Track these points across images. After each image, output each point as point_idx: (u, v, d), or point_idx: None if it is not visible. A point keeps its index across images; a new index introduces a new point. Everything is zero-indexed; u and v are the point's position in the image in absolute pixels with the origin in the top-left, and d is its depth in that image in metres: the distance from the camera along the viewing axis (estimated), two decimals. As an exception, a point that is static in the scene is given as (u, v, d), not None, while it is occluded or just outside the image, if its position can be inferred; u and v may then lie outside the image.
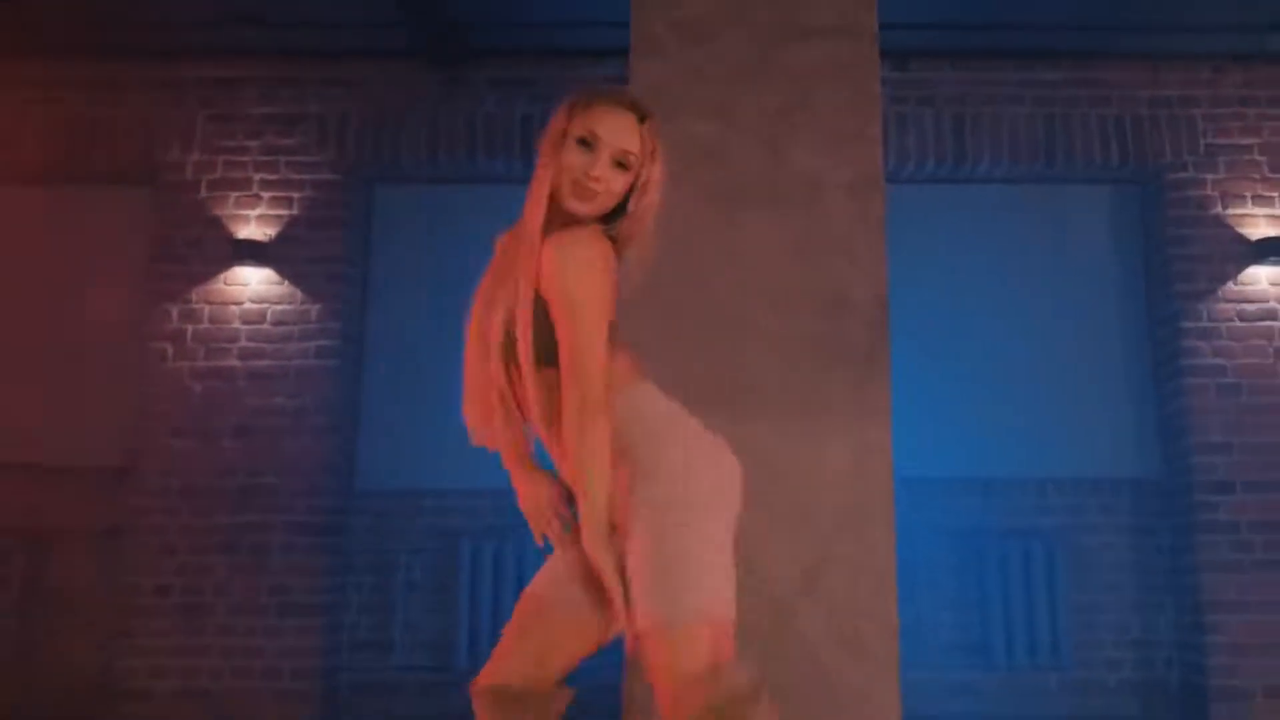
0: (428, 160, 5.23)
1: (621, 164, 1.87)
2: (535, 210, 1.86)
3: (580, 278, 1.76)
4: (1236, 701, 4.81)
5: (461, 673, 4.90)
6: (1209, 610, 4.90)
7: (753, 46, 3.36)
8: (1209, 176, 5.24)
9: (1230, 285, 5.15)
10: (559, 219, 1.89)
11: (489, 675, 1.92)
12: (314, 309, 5.03)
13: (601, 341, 1.78)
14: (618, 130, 1.86)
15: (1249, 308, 5.13)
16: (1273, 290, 5.15)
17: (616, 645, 4.85)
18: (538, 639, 1.91)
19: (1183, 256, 5.17)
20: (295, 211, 5.13)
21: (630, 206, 1.91)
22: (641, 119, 1.91)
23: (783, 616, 3.05)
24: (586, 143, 1.86)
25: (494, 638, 4.85)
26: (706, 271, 3.20)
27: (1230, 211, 5.22)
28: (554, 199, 1.87)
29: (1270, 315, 5.13)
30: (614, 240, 1.93)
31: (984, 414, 5.23)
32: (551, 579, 1.94)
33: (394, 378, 5.23)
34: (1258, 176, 5.25)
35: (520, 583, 4.91)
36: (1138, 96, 5.30)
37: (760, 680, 1.75)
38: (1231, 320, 5.13)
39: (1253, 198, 5.23)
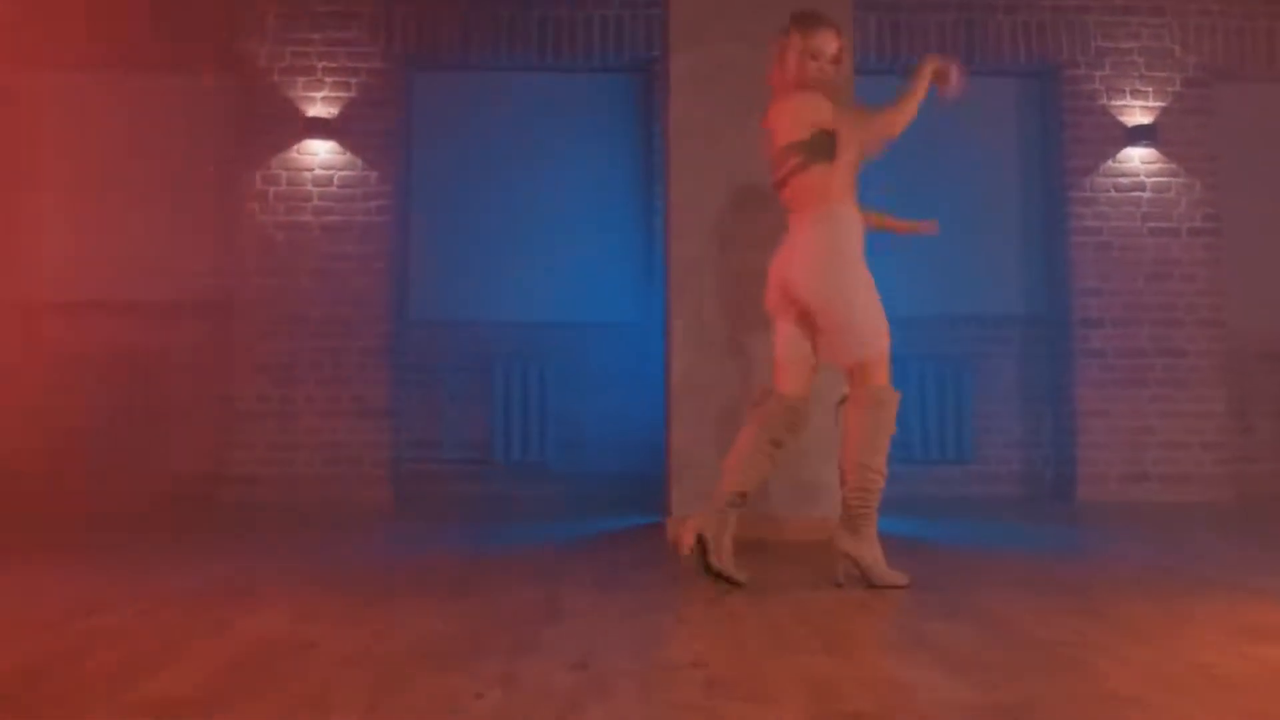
0: (460, 52, 6.00)
1: (835, 61, 3.10)
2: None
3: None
4: (1097, 484, 5.93)
5: (495, 464, 5.88)
6: (1081, 417, 5.99)
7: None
8: (1097, 73, 6.14)
9: (1109, 163, 6.10)
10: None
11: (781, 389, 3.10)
12: (372, 175, 5.85)
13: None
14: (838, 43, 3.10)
15: (1123, 180, 6.09)
16: (1142, 168, 6.10)
17: (659, 445, 5.84)
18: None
19: (1073, 139, 6.11)
20: (353, 94, 5.90)
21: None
22: (837, 30, 3.13)
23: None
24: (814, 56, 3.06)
25: (523, 438, 5.83)
26: (733, 156, 4.10)
27: (1112, 103, 6.13)
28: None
29: (1139, 188, 6.09)
30: None
31: (911, 263, 6.19)
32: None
33: (436, 230, 6.10)
34: (1136, 74, 6.15)
35: (543, 396, 5.85)
36: (1041, 5, 6.15)
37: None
38: (1109, 191, 6.09)
39: (1130, 92, 6.14)
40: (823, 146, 2.98)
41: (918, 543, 3.93)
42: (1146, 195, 6.09)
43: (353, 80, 5.92)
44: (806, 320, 3.00)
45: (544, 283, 6.10)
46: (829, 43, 3.06)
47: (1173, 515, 5.27)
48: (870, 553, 2.88)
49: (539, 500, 5.70)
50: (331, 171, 5.86)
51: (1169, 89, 6.15)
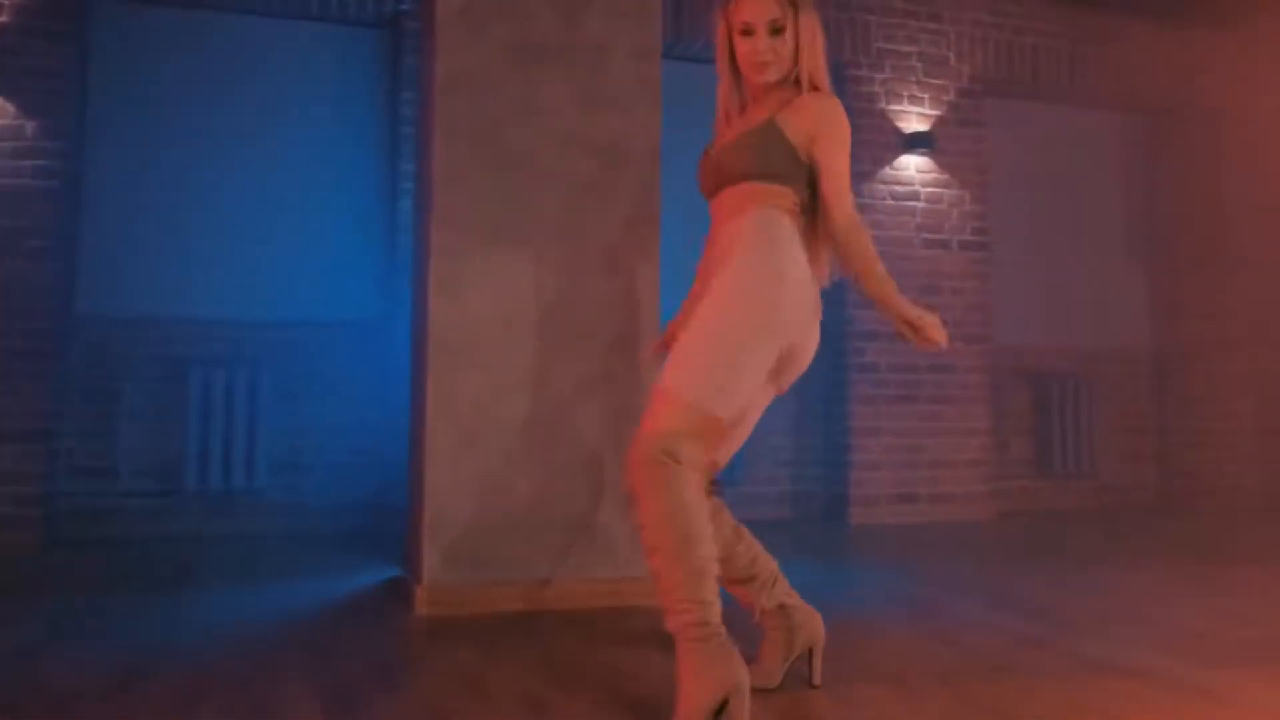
0: (155, -19, 4.59)
1: (777, 30, 2.10)
2: (728, 91, 2.25)
3: (843, 128, 2.11)
4: (869, 506, 5.40)
5: (190, 496, 4.55)
6: (854, 435, 5.44)
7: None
8: (877, 76, 5.61)
9: (886, 170, 5.59)
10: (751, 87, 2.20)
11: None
12: (29, 125, 4.33)
13: None
14: (759, 8, 2.09)
15: (899, 189, 5.61)
16: (917, 176, 5.64)
17: (399, 466, 4.70)
18: None
19: (855, 142, 5.52)
20: (5, 19, 4.35)
21: (801, 66, 2.13)
22: None
23: (564, 416, 3.08)
24: (747, 31, 2.11)
25: (226, 461, 4.53)
26: (504, 119, 3.09)
27: (891, 107, 5.63)
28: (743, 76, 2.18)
29: (914, 197, 5.63)
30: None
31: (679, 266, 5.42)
32: None
33: (118, 201, 4.65)
34: (914, 80, 5.69)
35: (254, 410, 4.58)
36: (825, 0, 5.55)
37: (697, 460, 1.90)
38: (885, 199, 5.58)
39: (909, 97, 5.67)
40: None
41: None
42: (921, 205, 5.64)
43: (6, 2, 4.38)
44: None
45: (259, 272, 4.80)
46: (763, 9, 2.13)
47: (949, 542, 4.79)
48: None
49: (244, 541, 4.43)
50: (-32, 117, 4.29)
51: (944, 98, 5.73)
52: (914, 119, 5.64)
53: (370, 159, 5.00)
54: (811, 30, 2.15)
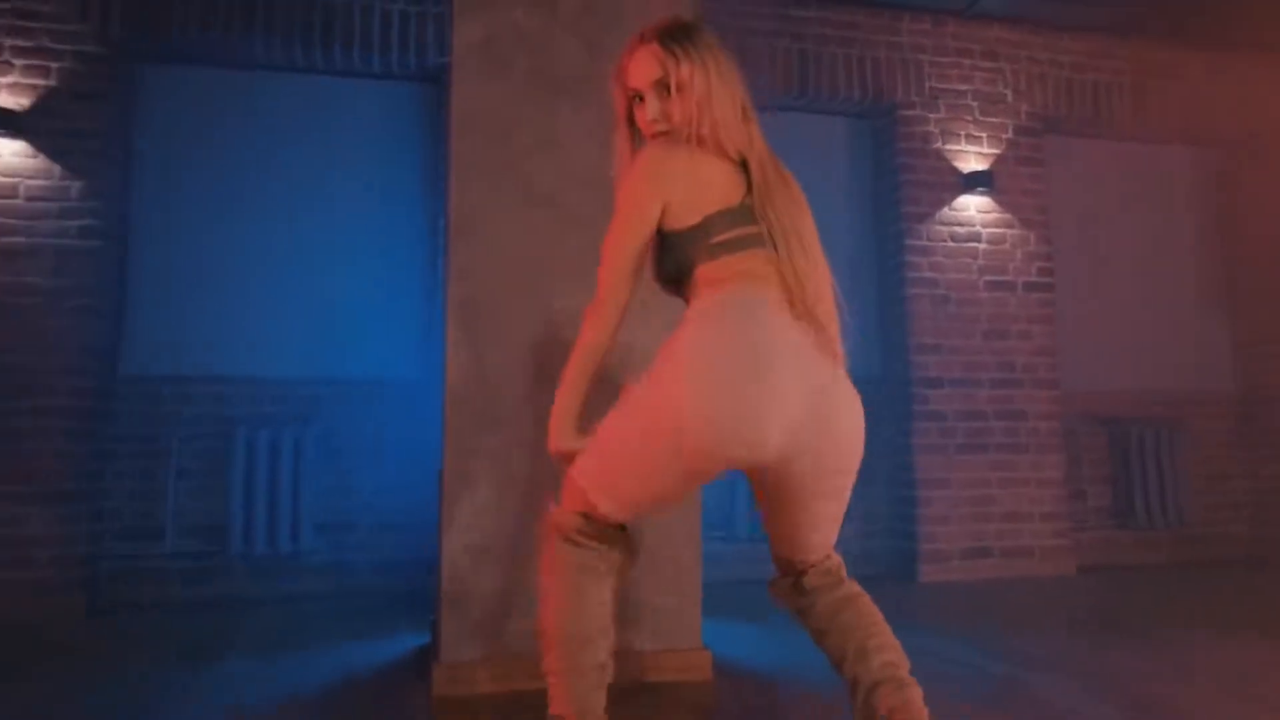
0: (200, 42, 4.44)
1: (666, 89, 1.76)
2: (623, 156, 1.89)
3: (624, 187, 1.73)
4: (940, 562, 4.90)
5: (235, 557, 4.28)
6: (920, 487, 4.96)
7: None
8: (932, 115, 5.22)
9: (946, 210, 5.17)
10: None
11: None
12: (74, 186, 4.18)
13: (628, 241, 1.72)
14: (642, 71, 1.78)
15: (959, 230, 5.18)
16: (978, 216, 5.21)
17: (429, 552, 4.39)
18: None
19: (909, 183, 5.14)
20: (53, 83, 4.23)
21: (676, 114, 1.76)
22: (660, 38, 1.78)
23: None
24: (640, 98, 1.82)
25: (270, 522, 4.26)
26: (523, 158, 2.79)
27: (948, 147, 5.22)
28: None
29: (975, 238, 5.19)
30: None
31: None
32: None
33: (164, 262, 4.47)
34: (970, 119, 5.28)
35: (298, 471, 4.31)
36: (875, 40, 5.19)
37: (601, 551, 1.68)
38: (945, 241, 5.16)
39: (965, 136, 5.26)
40: None
41: (764, 676, 2.68)
42: (983, 246, 5.20)
43: (53, 65, 4.25)
44: None
45: (303, 330, 4.56)
46: (645, 70, 1.83)
47: (1033, 607, 4.28)
48: None
49: (285, 604, 4.13)
50: (16, 179, 4.15)
51: (1003, 136, 5.30)
52: (972, 158, 5.22)
53: (413, 214, 4.76)
54: (701, 78, 1.75)
